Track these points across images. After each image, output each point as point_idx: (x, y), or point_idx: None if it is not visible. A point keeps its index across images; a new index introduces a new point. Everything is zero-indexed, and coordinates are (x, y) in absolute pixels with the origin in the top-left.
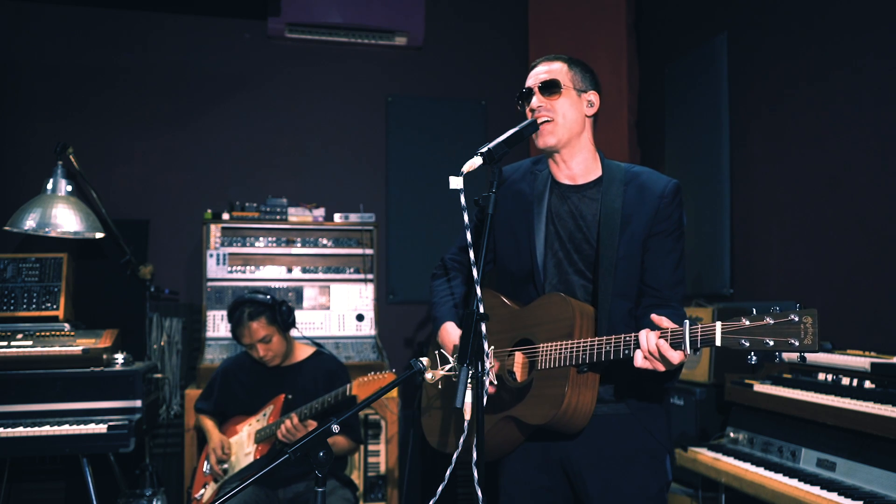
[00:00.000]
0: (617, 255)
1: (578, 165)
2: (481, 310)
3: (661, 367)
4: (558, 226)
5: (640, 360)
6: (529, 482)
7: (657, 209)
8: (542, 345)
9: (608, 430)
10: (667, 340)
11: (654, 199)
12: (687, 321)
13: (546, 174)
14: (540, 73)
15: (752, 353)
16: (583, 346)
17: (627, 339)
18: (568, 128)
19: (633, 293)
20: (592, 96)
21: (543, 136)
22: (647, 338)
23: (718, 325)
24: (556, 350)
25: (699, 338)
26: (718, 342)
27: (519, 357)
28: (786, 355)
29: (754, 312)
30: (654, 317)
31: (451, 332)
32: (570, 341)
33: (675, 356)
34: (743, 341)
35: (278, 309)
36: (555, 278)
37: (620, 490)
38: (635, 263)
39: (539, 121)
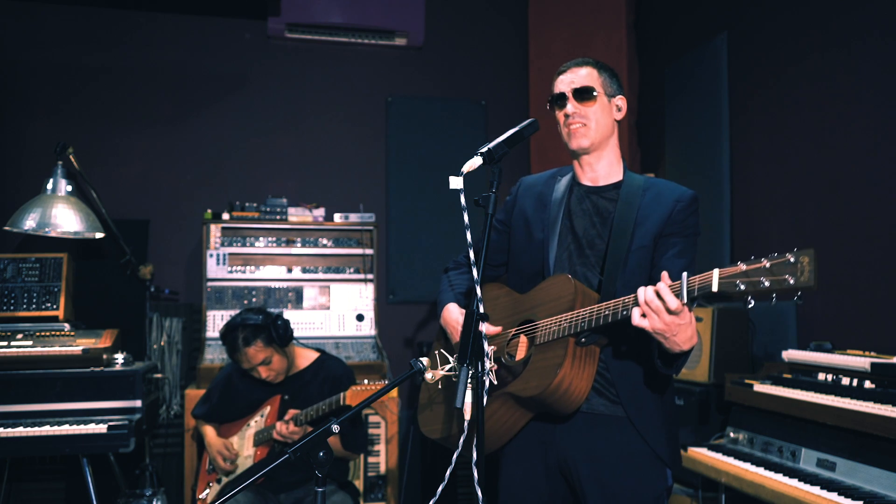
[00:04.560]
0: (628, 249)
1: (603, 168)
2: (481, 310)
3: (660, 325)
4: (574, 222)
5: (637, 318)
6: (527, 485)
7: (672, 211)
8: (542, 321)
9: (607, 432)
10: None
11: (670, 202)
12: (685, 273)
13: (568, 178)
14: (572, 78)
15: (749, 296)
16: (582, 315)
17: (626, 300)
18: (600, 132)
19: (640, 286)
20: (620, 101)
21: (577, 139)
22: (645, 290)
23: (716, 271)
24: (555, 323)
25: (697, 286)
26: (715, 287)
27: (522, 338)
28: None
29: (753, 258)
30: (663, 273)
31: (452, 312)
32: (569, 313)
33: (673, 301)
34: (739, 284)
35: (273, 326)
36: (564, 272)
37: (616, 494)
38: (646, 258)
39: (572, 126)
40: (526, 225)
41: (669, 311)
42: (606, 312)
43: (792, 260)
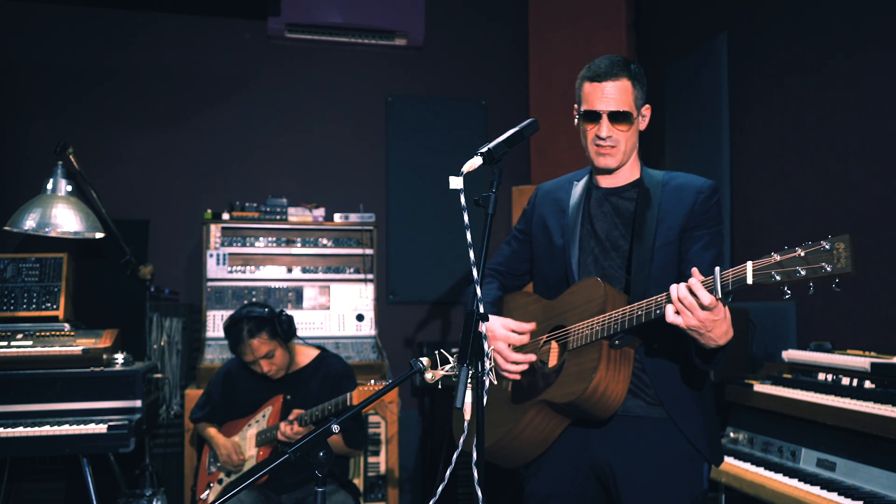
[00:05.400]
0: (654, 246)
1: (623, 173)
2: (481, 309)
3: (694, 321)
4: (595, 225)
5: (671, 315)
6: (560, 488)
7: (694, 204)
8: (574, 325)
9: (644, 435)
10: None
11: (691, 195)
12: (718, 268)
13: (585, 182)
14: (609, 94)
15: (785, 287)
16: (614, 317)
17: (659, 299)
18: (628, 152)
19: (669, 283)
20: (646, 110)
21: (605, 160)
22: (678, 287)
23: (749, 264)
24: (587, 326)
25: (731, 280)
26: (750, 280)
27: (553, 344)
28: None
29: (786, 248)
30: (693, 270)
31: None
32: (601, 316)
33: (706, 297)
34: (775, 275)
35: (278, 321)
36: (589, 276)
37: (653, 498)
38: (672, 253)
39: (602, 148)
40: (546, 232)
41: (703, 307)
42: (639, 312)
43: (827, 247)
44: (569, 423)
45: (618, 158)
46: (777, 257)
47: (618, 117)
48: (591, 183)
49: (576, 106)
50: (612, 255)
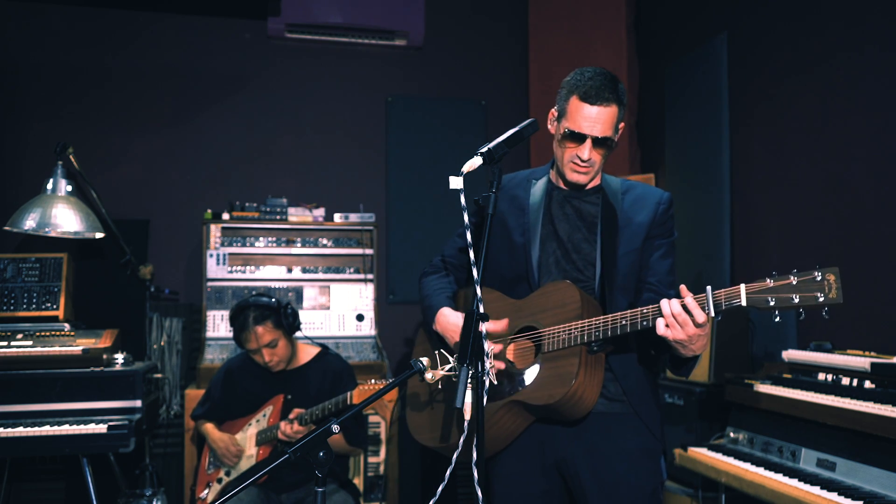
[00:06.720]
0: (619, 251)
1: None
2: (481, 309)
3: (683, 335)
4: (557, 227)
5: (661, 329)
6: (524, 486)
7: (656, 213)
8: (548, 328)
9: (605, 430)
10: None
11: (652, 205)
12: (710, 287)
13: (545, 182)
14: (598, 121)
15: (777, 311)
16: (596, 324)
17: (645, 311)
18: (600, 169)
19: (632, 288)
20: (621, 126)
21: (578, 177)
22: (670, 304)
23: (743, 286)
24: (565, 331)
25: (723, 300)
26: (744, 302)
27: (512, 346)
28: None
29: (775, 274)
30: (682, 287)
31: (449, 316)
32: (581, 321)
33: (701, 315)
34: (769, 299)
35: (283, 312)
36: (551, 277)
37: (616, 489)
38: (635, 260)
39: (580, 168)
40: (504, 228)
41: (696, 324)
42: (624, 322)
43: (818, 277)
44: (533, 420)
45: (590, 176)
46: (770, 283)
47: (601, 143)
48: (551, 184)
49: (555, 112)
50: (574, 258)
